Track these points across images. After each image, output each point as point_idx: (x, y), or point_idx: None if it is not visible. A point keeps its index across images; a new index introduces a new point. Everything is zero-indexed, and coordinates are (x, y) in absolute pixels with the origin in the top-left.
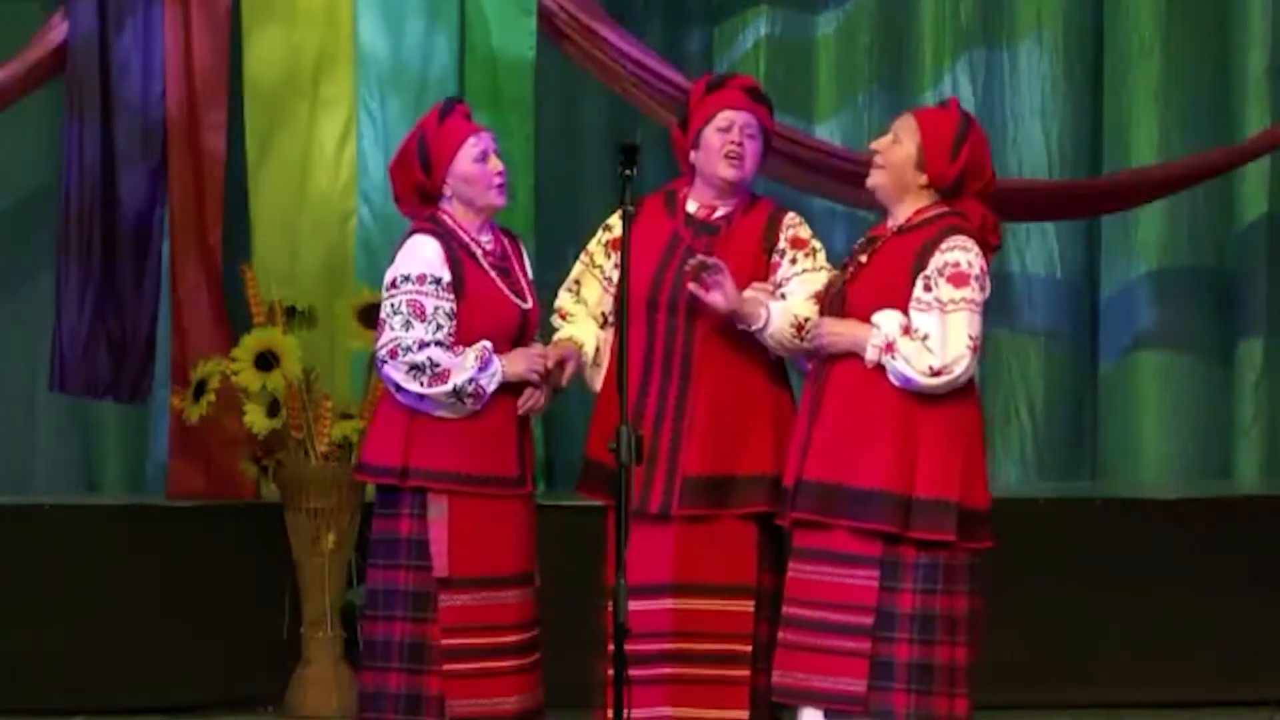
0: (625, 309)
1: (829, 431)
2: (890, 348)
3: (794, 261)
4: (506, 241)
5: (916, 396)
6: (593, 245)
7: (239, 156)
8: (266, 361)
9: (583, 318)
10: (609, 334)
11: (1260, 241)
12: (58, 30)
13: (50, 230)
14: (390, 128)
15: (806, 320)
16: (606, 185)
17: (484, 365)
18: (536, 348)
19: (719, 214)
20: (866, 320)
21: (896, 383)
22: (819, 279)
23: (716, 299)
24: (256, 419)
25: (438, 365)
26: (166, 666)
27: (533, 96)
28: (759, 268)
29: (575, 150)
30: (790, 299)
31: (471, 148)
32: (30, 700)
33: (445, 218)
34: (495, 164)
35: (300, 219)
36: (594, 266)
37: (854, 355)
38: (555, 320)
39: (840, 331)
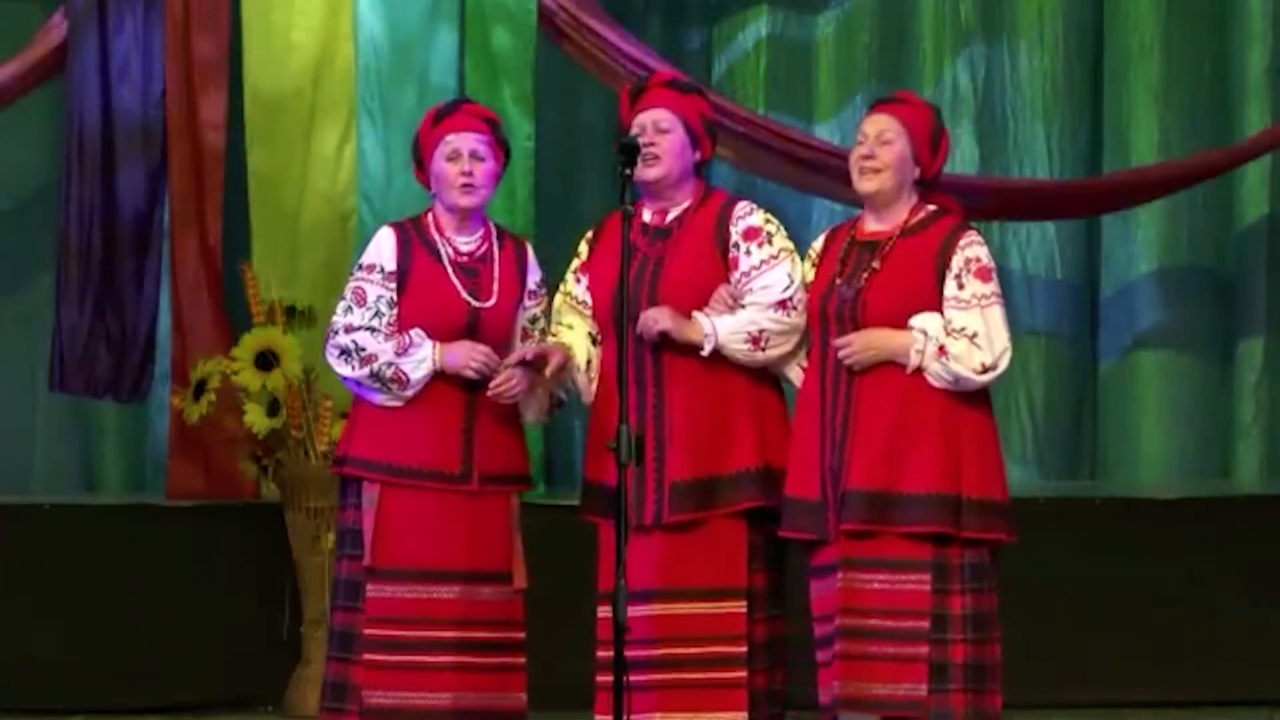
0: (625, 312)
1: (873, 440)
2: (943, 351)
3: (749, 254)
4: (500, 245)
5: (955, 396)
6: (567, 274)
7: (239, 156)
8: (266, 361)
9: (570, 335)
10: (600, 351)
11: (1260, 241)
12: (58, 30)
13: (50, 230)
14: (390, 128)
15: (762, 332)
16: (606, 185)
17: (403, 351)
18: (481, 346)
19: (671, 217)
20: (892, 326)
21: (942, 384)
22: (779, 271)
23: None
24: (256, 419)
25: (364, 349)
26: (166, 666)
27: (533, 95)
28: (714, 267)
29: (575, 150)
30: (742, 313)
31: (445, 146)
32: (30, 700)
33: (426, 215)
34: (464, 164)
35: (300, 219)
36: (568, 296)
37: (884, 363)
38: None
39: (875, 346)
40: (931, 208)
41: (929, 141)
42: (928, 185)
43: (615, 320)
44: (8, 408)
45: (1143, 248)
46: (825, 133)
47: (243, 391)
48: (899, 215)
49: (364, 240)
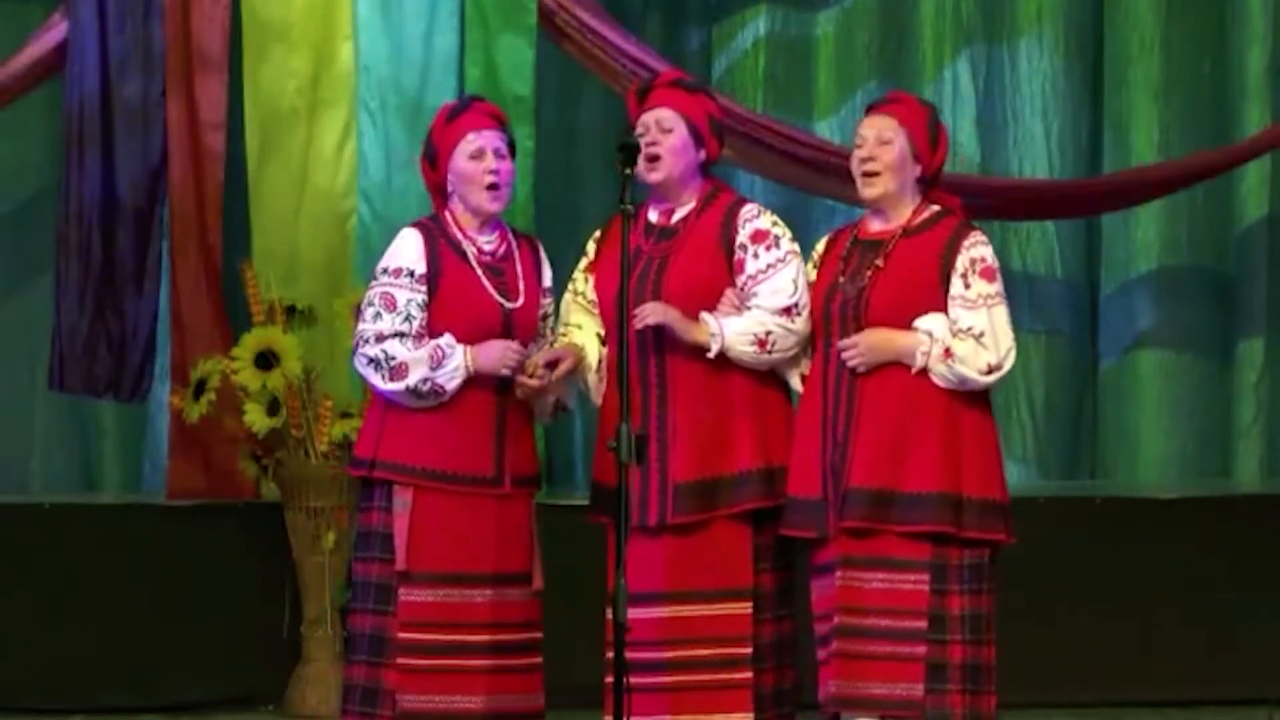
0: (626, 313)
1: (876, 439)
2: (948, 353)
3: (756, 257)
4: (518, 245)
5: (958, 397)
6: (576, 274)
7: (239, 156)
8: (266, 361)
9: (580, 335)
10: (607, 351)
11: (1260, 241)
12: (58, 29)
13: (50, 230)
14: (390, 128)
15: (769, 334)
16: (607, 185)
17: (437, 363)
18: (514, 344)
19: (678, 217)
20: (895, 325)
21: (947, 385)
22: (784, 277)
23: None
24: (256, 418)
25: (393, 359)
26: (166, 666)
27: (533, 96)
28: (718, 268)
29: (575, 150)
30: (749, 314)
31: (468, 144)
32: (30, 700)
33: (446, 214)
34: (489, 162)
35: (300, 219)
36: (577, 295)
37: (888, 363)
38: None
39: (880, 348)
40: (935, 208)
41: (928, 138)
42: (929, 183)
43: (618, 321)
44: (8, 408)
45: (1143, 248)
46: (825, 131)
47: (243, 391)
48: (903, 215)
49: (364, 240)
